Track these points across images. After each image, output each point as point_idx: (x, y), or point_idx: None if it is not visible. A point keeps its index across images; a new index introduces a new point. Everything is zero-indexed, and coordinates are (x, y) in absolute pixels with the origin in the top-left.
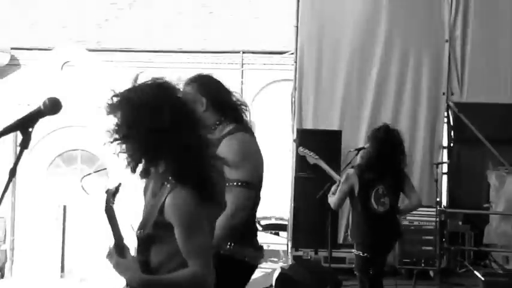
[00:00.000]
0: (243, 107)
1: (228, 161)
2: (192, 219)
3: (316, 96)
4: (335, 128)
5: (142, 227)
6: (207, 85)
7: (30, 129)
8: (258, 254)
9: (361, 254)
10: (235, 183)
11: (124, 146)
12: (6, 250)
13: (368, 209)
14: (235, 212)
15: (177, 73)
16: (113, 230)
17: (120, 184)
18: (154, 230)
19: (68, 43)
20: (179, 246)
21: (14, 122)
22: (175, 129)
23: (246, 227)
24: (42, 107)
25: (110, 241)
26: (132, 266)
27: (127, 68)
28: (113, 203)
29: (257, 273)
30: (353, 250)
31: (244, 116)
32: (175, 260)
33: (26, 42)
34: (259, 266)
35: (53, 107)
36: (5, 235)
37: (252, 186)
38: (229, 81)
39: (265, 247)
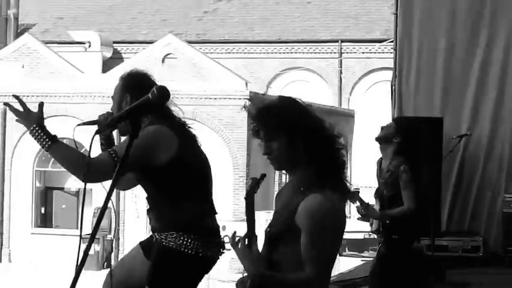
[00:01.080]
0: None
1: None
2: (321, 227)
3: (416, 83)
4: (436, 115)
5: (272, 225)
6: (131, 82)
7: (139, 119)
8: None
9: None
10: None
11: (270, 147)
12: (112, 240)
13: None
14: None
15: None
16: (248, 218)
17: (265, 174)
18: (282, 231)
19: (169, 36)
20: (302, 250)
21: (123, 112)
22: (314, 135)
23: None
24: (150, 96)
25: (240, 229)
26: (256, 259)
27: (226, 60)
28: (256, 192)
29: (359, 262)
30: None
31: (169, 110)
32: (295, 263)
33: (128, 36)
34: (359, 254)
35: (161, 95)
36: (110, 225)
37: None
38: (328, 70)
39: (366, 236)
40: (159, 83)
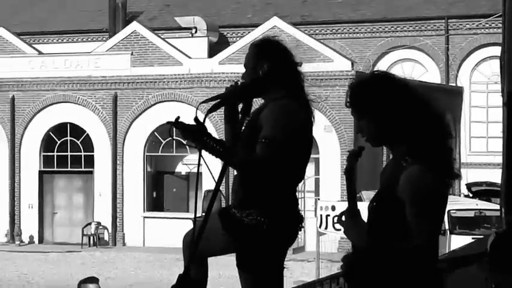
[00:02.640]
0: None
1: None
2: (423, 197)
3: None
4: None
5: (375, 200)
6: (267, 48)
7: (251, 99)
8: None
9: None
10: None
11: (360, 126)
12: None
13: None
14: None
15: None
16: (348, 192)
17: (363, 148)
18: (386, 204)
19: (274, 19)
20: (408, 221)
21: (237, 92)
22: (413, 111)
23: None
24: (261, 74)
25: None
26: (360, 230)
27: (331, 41)
28: (354, 166)
29: (469, 239)
30: None
31: (299, 86)
32: (399, 236)
33: (233, 20)
34: (470, 232)
35: (270, 72)
36: (221, 207)
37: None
38: (434, 48)
39: (477, 213)
40: None
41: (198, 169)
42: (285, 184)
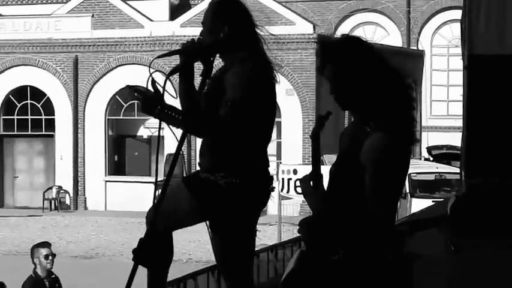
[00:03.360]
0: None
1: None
2: (385, 164)
3: (487, 21)
4: (508, 52)
5: (337, 164)
6: (229, 9)
7: (211, 59)
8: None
9: None
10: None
11: (334, 86)
12: None
13: None
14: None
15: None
16: (313, 157)
17: (330, 112)
18: (347, 169)
19: None
20: (366, 187)
21: (195, 49)
22: (378, 75)
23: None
24: (221, 35)
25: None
26: (319, 196)
27: (293, 4)
28: (321, 130)
29: (429, 202)
30: None
31: (260, 48)
32: (358, 201)
33: None
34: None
35: (232, 33)
36: (183, 172)
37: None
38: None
39: (437, 177)
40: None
41: (159, 132)
42: (255, 145)
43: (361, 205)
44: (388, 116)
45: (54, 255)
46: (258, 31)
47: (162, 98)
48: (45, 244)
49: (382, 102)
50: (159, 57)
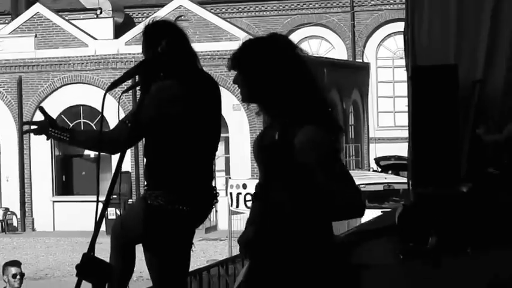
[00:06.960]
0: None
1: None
2: (327, 155)
3: (429, 32)
4: (450, 62)
5: (264, 173)
6: (161, 30)
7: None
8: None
9: None
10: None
11: (238, 78)
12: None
13: None
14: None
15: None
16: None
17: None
18: (279, 173)
19: None
20: (319, 182)
21: (133, 67)
22: (290, 72)
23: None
24: (160, 50)
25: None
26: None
27: (238, 19)
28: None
29: (378, 213)
30: None
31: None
32: (296, 201)
33: (139, 0)
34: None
35: (170, 48)
36: (131, 190)
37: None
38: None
39: (386, 187)
40: None
41: (99, 152)
42: (189, 161)
43: (297, 206)
44: (308, 110)
45: (22, 275)
46: (194, 48)
47: (52, 123)
48: (15, 263)
49: (293, 95)
50: (112, 86)
